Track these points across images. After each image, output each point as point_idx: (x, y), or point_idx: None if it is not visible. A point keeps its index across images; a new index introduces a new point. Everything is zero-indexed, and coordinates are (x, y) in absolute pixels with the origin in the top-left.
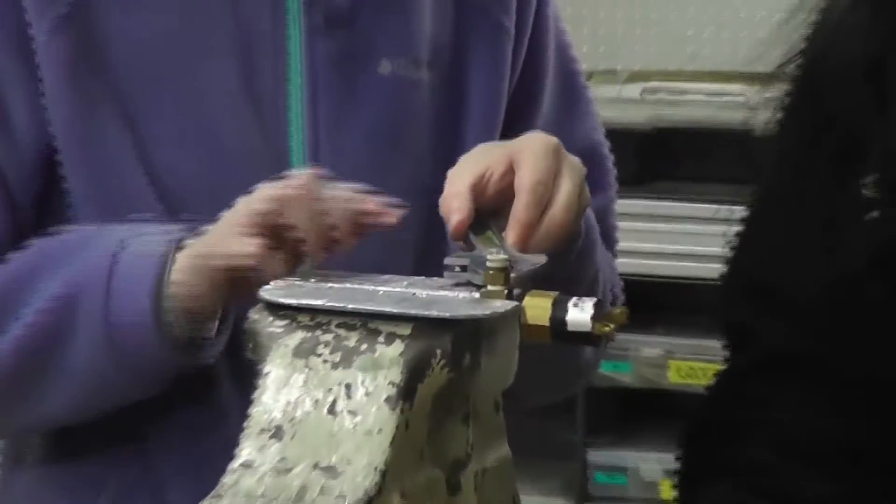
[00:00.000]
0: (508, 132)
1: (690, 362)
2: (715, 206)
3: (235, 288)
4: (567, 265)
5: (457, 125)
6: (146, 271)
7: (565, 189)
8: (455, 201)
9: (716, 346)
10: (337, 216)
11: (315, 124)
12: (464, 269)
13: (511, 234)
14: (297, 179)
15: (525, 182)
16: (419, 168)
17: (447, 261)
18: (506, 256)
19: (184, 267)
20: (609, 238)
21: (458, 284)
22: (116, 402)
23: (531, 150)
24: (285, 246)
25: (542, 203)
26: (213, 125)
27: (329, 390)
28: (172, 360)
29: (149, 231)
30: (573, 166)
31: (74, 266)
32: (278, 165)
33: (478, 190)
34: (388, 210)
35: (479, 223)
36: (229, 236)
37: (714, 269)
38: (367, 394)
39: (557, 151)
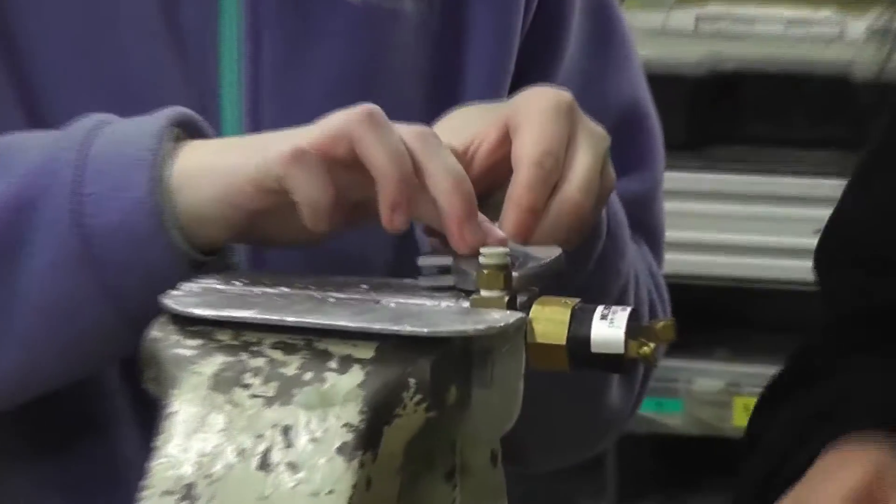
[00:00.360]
0: (519, 87)
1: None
2: (796, 181)
3: (256, 229)
4: (582, 274)
5: (452, 74)
6: (136, 159)
7: (582, 163)
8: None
9: None
10: (439, 181)
11: (256, 66)
12: (446, 270)
13: (507, 222)
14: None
15: (527, 153)
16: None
17: (421, 260)
18: (505, 249)
19: (205, 178)
20: (652, 236)
21: (439, 289)
22: (79, 358)
23: (535, 110)
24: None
25: (551, 181)
26: (119, 66)
27: (260, 436)
28: (176, 278)
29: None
30: (593, 133)
31: (21, 165)
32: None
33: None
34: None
35: None
36: (304, 170)
37: (797, 268)
38: (314, 440)
39: (571, 112)
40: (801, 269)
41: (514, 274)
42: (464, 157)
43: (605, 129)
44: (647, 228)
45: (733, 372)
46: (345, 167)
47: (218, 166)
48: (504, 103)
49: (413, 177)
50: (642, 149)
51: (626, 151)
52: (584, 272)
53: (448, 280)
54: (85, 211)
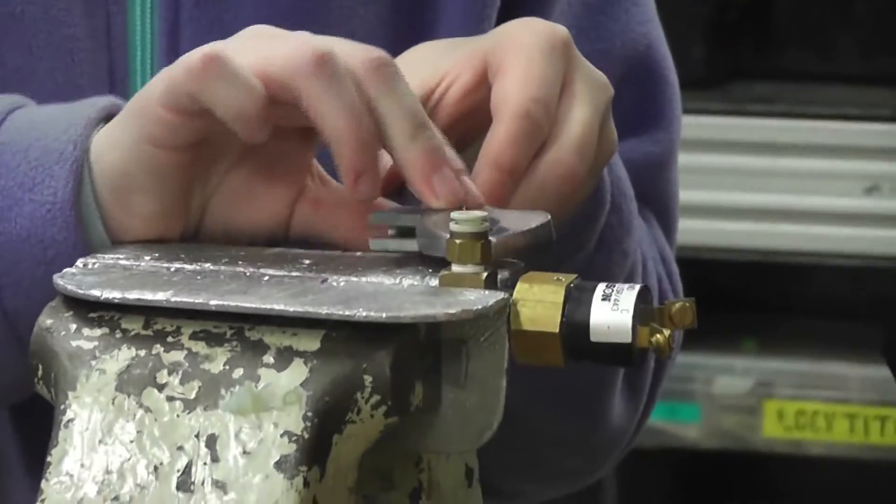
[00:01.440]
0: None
1: (802, 402)
2: (843, 126)
3: (206, 160)
4: (583, 254)
5: (420, 4)
6: (56, 151)
7: (578, 117)
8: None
9: (849, 372)
10: (398, 129)
11: None
12: (406, 232)
13: (479, 183)
14: (359, 50)
15: (512, 98)
16: None
17: (372, 218)
18: (482, 213)
19: (117, 126)
20: (663, 211)
21: (399, 262)
22: None
23: (522, 45)
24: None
25: (538, 137)
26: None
27: (180, 448)
28: None
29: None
30: (592, 80)
31: None
32: (106, 58)
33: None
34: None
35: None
36: (220, 80)
37: (845, 237)
38: (246, 454)
39: (566, 51)
40: (850, 238)
41: (492, 240)
42: (429, 99)
43: (609, 77)
44: (659, 202)
45: (763, 368)
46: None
47: (130, 108)
48: (482, 36)
49: (373, 136)
50: (655, 103)
51: (635, 106)
52: (585, 252)
53: (410, 245)
54: None
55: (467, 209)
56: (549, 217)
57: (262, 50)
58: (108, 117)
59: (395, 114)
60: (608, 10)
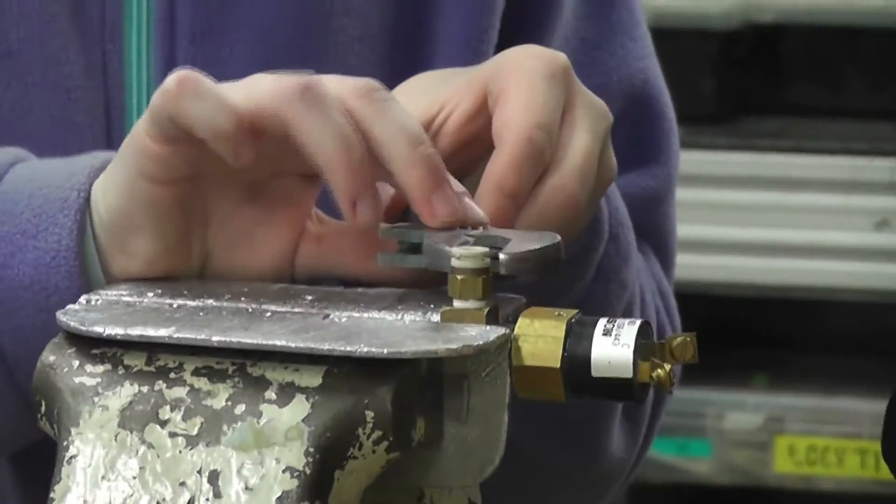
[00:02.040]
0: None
1: (813, 438)
2: (852, 161)
3: (203, 197)
4: (580, 284)
5: (417, 39)
6: (59, 199)
7: (579, 144)
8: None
9: (860, 407)
10: (395, 152)
11: (169, 29)
12: (414, 248)
13: (484, 204)
14: (345, 80)
15: (515, 124)
16: None
17: (382, 232)
18: (483, 249)
19: (113, 167)
20: (661, 246)
21: (401, 298)
22: None
23: (523, 72)
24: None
25: (540, 162)
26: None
27: (182, 483)
28: None
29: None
30: (592, 107)
31: None
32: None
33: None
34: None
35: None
36: (195, 99)
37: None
38: (248, 489)
39: (566, 78)
40: (860, 273)
41: (501, 256)
42: (429, 127)
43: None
44: (657, 236)
45: (774, 404)
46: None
47: (122, 148)
48: (482, 64)
49: (366, 159)
50: (652, 138)
51: (632, 141)
52: (583, 282)
53: (417, 260)
54: None
55: (472, 228)
56: (559, 237)
57: (247, 84)
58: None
59: (390, 134)
60: (605, 45)
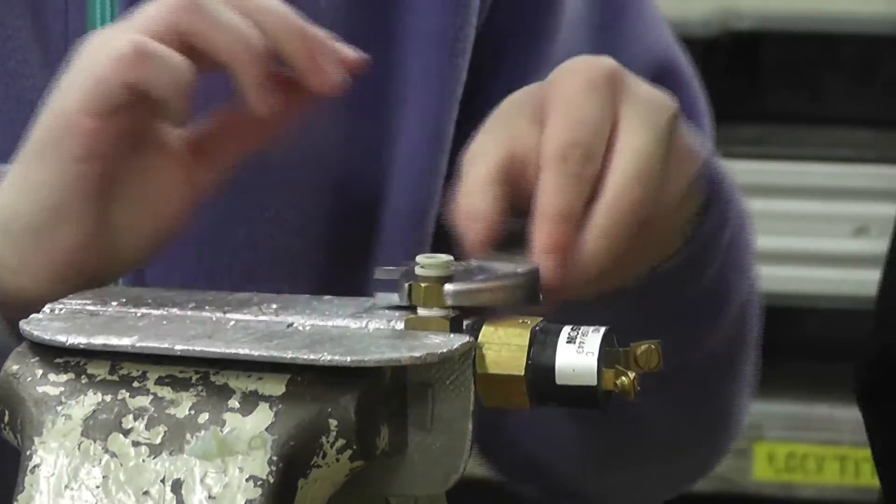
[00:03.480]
0: (504, 41)
1: (792, 444)
2: (830, 168)
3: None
4: (704, 273)
5: (385, 31)
6: None
7: (632, 145)
8: (471, 204)
9: (839, 414)
10: (278, 28)
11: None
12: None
13: (537, 237)
14: None
15: (547, 147)
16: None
17: (378, 273)
18: (447, 259)
19: (30, 165)
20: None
21: (371, 308)
22: None
23: (560, 92)
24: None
25: (584, 178)
26: None
27: (145, 493)
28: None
29: None
30: (645, 101)
31: None
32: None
33: (510, 178)
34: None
35: (516, 234)
36: (98, 50)
37: (833, 279)
38: (211, 498)
39: (610, 84)
40: (839, 280)
41: (450, 287)
42: (511, 163)
43: None
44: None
45: (753, 411)
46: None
47: (40, 140)
48: (546, 83)
49: (259, 48)
50: (685, 107)
51: None
52: (713, 269)
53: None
54: None
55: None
56: (536, 267)
57: (139, 14)
58: None
59: (274, 24)
60: (616, 25)
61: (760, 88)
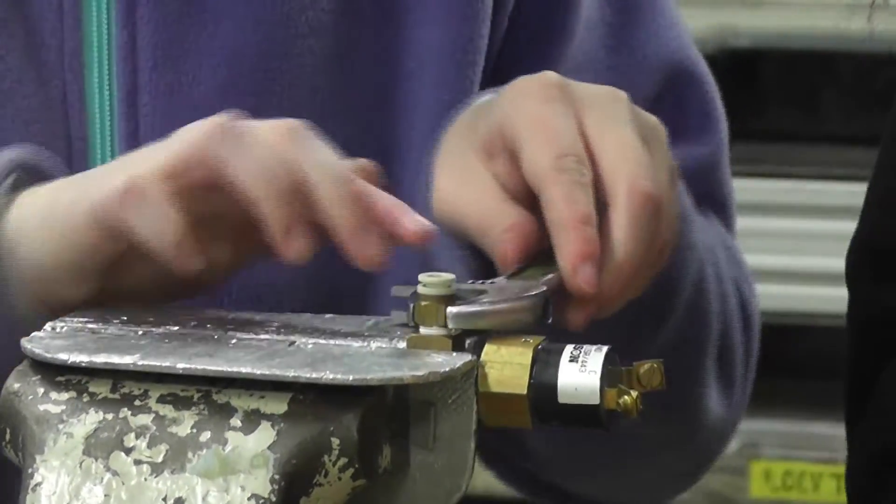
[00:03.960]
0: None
1: (789, 463)
2: (829, 186)
3: (121, 280)
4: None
5: (396, 46)
6: None
7: (615, 140)
8: (504, 219)
9: (837, 432)
10: (327, 195)
11: (131, 54)
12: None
13: (566, 251)
14: (266, 122)
15: (539, 165)
16: (326, 124)
17: (395, 291)
18: (450, 276)
19: (34, 221)
20: (721, 208)
21: (373, 326)
22: None
23: (523, 114)
24: (225, 229)
25: (583, 181)
26: None
27: None
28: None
29: None
30: (598, 97)
31: None
32: (63, 126)
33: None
34: (411, 219)
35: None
36: (139, 208)
37: (832, 297)
38: None
39: (563, 90)
40: (835, 298)
41: (452, 310)
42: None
43: (647, 87)
44: (715, 201)
45: (750, 430)
46: (206, 190)
47: (55, 211)
48: (487, 119)
49: (294, 191)
50: (697, 107)
51: (679, 111)
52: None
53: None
54: None
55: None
56: (544, 289)
57: (167, 143)
58: (21, 168)
59: (315, 175)
60: (632, 24)
61: (757, 106)
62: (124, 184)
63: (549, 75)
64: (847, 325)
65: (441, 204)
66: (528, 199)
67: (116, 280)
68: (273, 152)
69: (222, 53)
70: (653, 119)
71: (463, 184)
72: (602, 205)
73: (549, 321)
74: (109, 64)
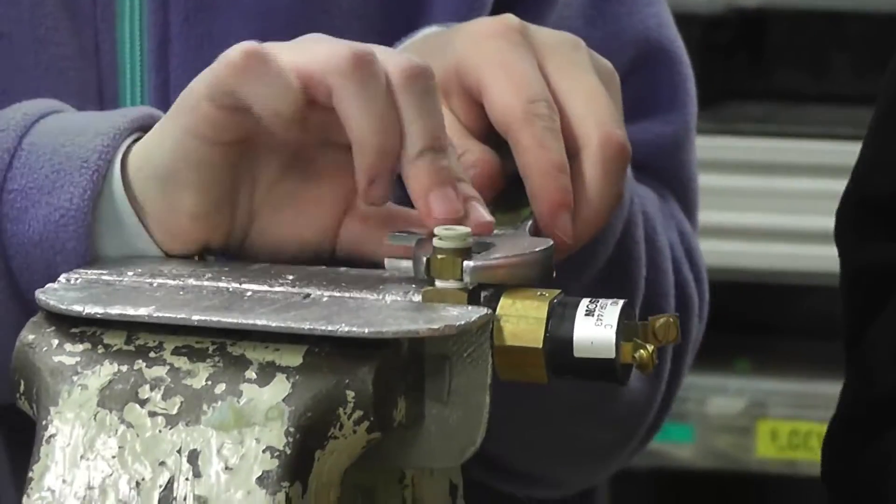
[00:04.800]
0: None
1: (796, 422)
2: (837, 146)
3: (252, 161)
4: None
5: (411, 4)
6: (77, 158)
7: (584, 86)
8: (468, 156)
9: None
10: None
11: (163, 1)
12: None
13: (541, 197)
14: (401, 58)
15: (510, 109)
16: None
17: (391, 237)
18: (465, 230)
19: (166, 123)
20: (682, 189)
21: (382, 278)
22: None
23: (487, 55)
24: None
25: (554, 125)
26: None
27: (162, 463)
28: None
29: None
30: (557, 42)
31: None
32: (95, 77)
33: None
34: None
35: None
36: (259, 78)
37: (835, 256)
38: (228, 469)
39: (524, 34)
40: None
41: (469, 264)
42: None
43: (620, 60)
44: (676, 181)
45: (757, 389)
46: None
47: (177, 105)
48: (442, 46)
49: (397, 145)
50: (667, 86)
51: (648, 87)
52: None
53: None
54: (4, 212)
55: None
56: (551, 243)
57: (303, 49)
58: (142, 128)
59: (415, 127)
60: (608, 8)
61: (765, 66)
62: (243, 54)
63: (510, 18)
64: (839, 283)
65: None
66: (487, 140)
67: (242, 203)
68: (389, 102)
69: (254, 8)
70: (608, 64)
71: None
72: (570, 153)
73: (555, 275)
74: (141, 15)
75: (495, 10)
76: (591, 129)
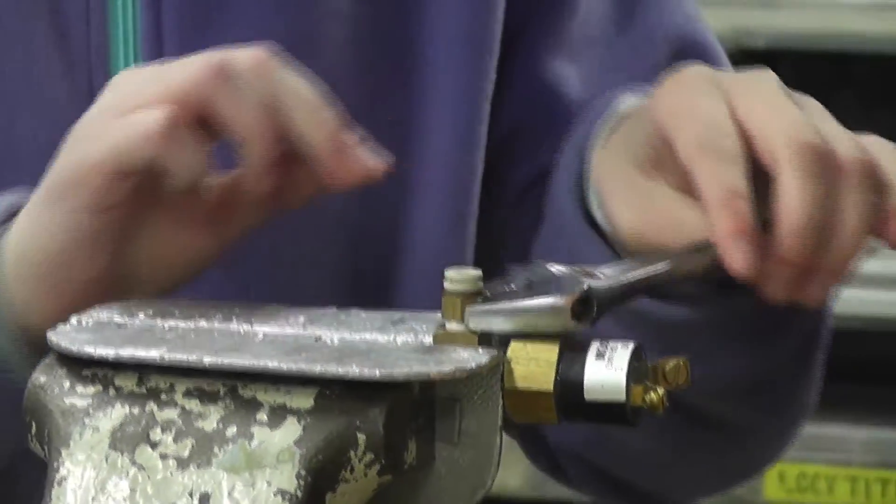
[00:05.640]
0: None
1: (803, 465)
2: None
3: (136, 215)
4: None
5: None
6: None
7: (788, 121)
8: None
9: (851, 435)
10: (306, 118)
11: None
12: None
13: (719, 249)
14: (246, 53)
15: (684, 153)
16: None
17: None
18: (475, 273)
19: (42, 208)
20: None
21: (393, 320)
22: None
23: (670, 99)
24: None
25: (737, 166)
26: None
27: None
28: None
29: None
30: (751, 81)
31: None
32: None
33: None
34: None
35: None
36: (112, 122)
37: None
38: None
39: (710, 80)
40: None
41: (469, 309)
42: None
43: (658, 60)
44: None
45: None
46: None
47: (52, 186)
48: (646, 124)
49: (279, 130)
50: None
51: None
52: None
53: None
54: None
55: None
56: (568, 299)
57: (160, 77)
58: (13, 215)
59: (293, 104)
60: (638, 10)
61: None
62: (156, 125)
63: (699, 69)
64: None
65: (637, 245)
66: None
67: (128, 252)
68: (258, 92)
69: (244, 42)
70: (806, 97)
71: (644, 213)
72: (768, 174)
73: (593, 325)
74: (136, 57)
75: (505, 33)
76: (774, 138)
